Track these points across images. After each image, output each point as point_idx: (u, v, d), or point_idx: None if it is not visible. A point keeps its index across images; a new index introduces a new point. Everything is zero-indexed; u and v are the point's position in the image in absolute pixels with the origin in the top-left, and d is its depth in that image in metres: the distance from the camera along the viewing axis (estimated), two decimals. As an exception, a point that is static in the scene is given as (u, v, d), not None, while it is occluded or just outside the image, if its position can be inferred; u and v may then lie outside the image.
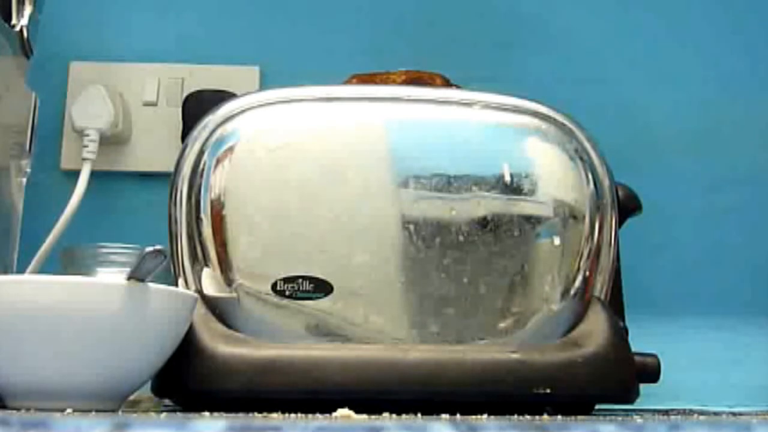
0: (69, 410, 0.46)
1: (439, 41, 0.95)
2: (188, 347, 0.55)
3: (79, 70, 0.92)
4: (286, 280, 0.58)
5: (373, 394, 0.56)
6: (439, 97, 0.64)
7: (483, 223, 0.60)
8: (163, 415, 0.42)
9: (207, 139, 0.61)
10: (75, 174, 0.85)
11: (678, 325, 0.90)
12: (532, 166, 0.61)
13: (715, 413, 0.68)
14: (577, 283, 0.61)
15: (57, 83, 0.91)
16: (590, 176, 0.62)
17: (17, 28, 0.75)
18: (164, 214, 0.62)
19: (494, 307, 0.59)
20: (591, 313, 0.61)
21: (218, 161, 0.60)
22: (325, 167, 0.60)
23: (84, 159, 0.85)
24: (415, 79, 0.67)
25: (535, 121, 0.63)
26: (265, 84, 0.92)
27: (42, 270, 0.78)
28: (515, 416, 0.48)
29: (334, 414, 0.43)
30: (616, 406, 0.67)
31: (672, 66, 0.96)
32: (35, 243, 0.79)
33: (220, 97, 0.66)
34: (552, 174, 0.62)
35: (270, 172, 0.60)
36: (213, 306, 0.59)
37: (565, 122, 0.63)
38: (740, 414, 0.73)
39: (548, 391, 0.57)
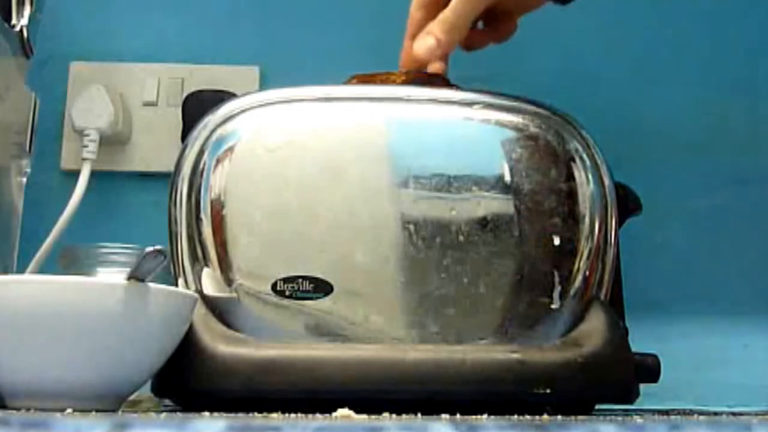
0: (69, 410, 0.46)
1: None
2: (188, 347, 0.55)
3: (79, 70, 0.92)
4: (286, 280, 0.58)
5: (373, 394, 0.56)
6: (439, 97, 0.64)
7: (483, 223, 0.60)
8: (163, 415, 0.42)
9: (207, 139, 0.61)
10: (75, 174, 0.85)
11: (678, 325, 0.90)
12: (531, 166, 0.61)
13: (715, 413, 0.68)
14: (577, 283, 0.61)
15: (57, 83, 0.91)
16: (590, 176, 0.62)
17: (17, 28, 0.75)
18: (164, 214, 0.62)
19: (494, 307, 0.59)
20: (591, 313, 0.61)
21: (218, 161, 0.60)
22: (325, 167, 0.60)
23: (84, 159, 0.85)
24: (415, 79, 0.67)
25: (535, 121, 0.63)
26: (265, 84, 0.92)
27: (42, 270, 0.78)
28: (515, 416, 0.48)
29: (334, 414, 0.43)
30: (616, 406, 0.67)
31: (672, 66, 0.96)
32: (35, 243, 0.80)
33: (220, 97, 0.66)
34: (552, 174, 0.62)
35: (270, 172, 0.60)
36: (213, 306, 0.59)
37: (565, 122, 0.63)
38: (740, 414, 0.73)
39: (548, 391, 0.57)
